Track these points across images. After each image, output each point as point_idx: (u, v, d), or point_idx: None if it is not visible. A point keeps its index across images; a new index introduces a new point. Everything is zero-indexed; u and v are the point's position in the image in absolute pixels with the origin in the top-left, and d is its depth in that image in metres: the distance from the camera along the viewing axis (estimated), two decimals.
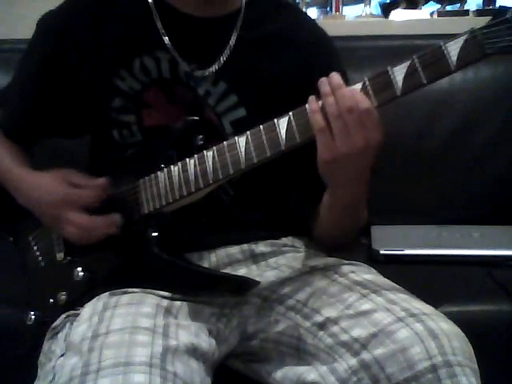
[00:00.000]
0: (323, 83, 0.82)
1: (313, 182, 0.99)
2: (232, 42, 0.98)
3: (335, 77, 0.81)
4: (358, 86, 0.80)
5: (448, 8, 2.02)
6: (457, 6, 2.01)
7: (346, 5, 2.08)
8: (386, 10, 1.97)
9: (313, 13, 2.13)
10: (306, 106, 0.82)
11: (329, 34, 1.09)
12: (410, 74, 0.78)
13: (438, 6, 2.02)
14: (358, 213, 0.97)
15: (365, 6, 2.03)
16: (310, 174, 1.01)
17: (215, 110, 0.98)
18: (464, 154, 1.60)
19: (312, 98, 0.82)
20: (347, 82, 0.83)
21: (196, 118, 0.94)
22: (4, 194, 1.05)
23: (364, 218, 1.02)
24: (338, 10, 2.01)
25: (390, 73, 0.79)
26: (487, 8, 1.93)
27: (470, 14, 1.90)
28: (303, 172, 1.02)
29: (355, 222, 1.00)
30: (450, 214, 1.58)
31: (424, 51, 0.78)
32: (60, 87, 1.02)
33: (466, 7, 1.98)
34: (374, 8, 2.08)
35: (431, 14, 1.96)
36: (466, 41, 0.75)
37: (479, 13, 1.88)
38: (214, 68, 0.98)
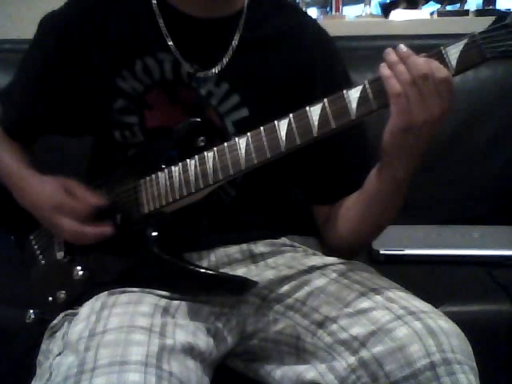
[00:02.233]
0: (389, 53, 0.80)
1: (331, 180, 1.01)
2: (235, 42, 0.98)
3: (402, 47, 0.80)
4: (358, 88, 0.80)
5: (448, 8, 2.02)
6: (457, 6, 2.02)
7: (346, 5, 2.08)
8: (386, 9, 1.97)
9: (313, 13, 2.12)
10: (306, 108, 0.82)
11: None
12: None
13: (438, 5, 2.02)
14: (399, 196, 0.93)
15: (365, 6, 2.03)
16: (328, 174, 1.02)
17: (218, 110, 0.98)
18: (464, 154, 1.60)
19: (383, 65, 0.80)
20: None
21: (198, 119, 0.94)
22: (5, 193, 1.05)
23: (397, 210, 0.96)
24: (338, 9, 2.02)
25: None
26: (487, 8, 1.94)
27: (470, 14, 1.91)
28: (318, 172, 1.03)
29: (393, 208, 0.95)
30: (450, 214, 1.58)
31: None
32: (62, 87, 1.01)
33: (465, 7, 1.98)
34: (374, 8, 2.08)
35: (431, 14, 1.96)
36: (465, 45, 0.76)
37: (479, 13, 1.89)
38: (216, 69, 0.98)
